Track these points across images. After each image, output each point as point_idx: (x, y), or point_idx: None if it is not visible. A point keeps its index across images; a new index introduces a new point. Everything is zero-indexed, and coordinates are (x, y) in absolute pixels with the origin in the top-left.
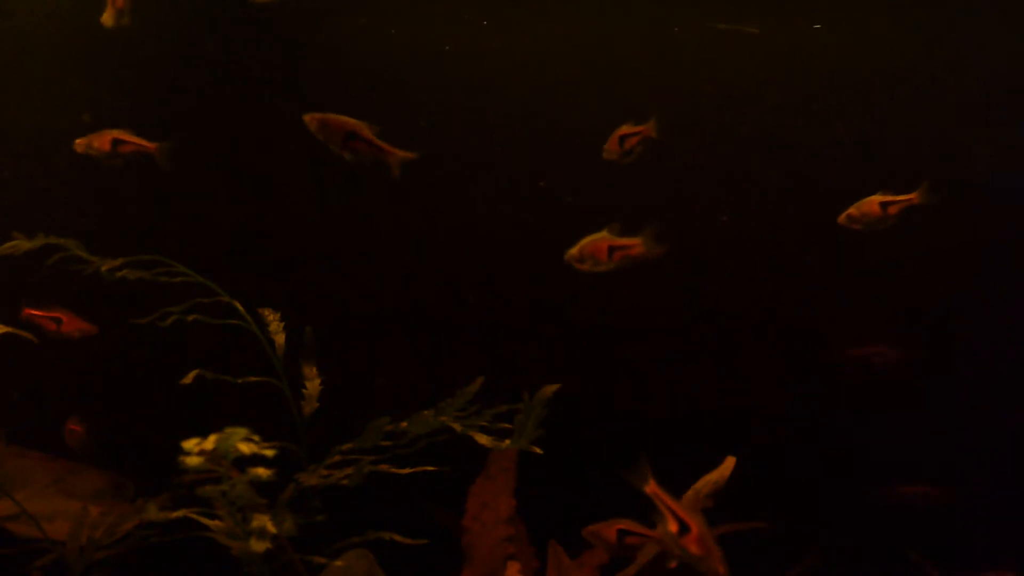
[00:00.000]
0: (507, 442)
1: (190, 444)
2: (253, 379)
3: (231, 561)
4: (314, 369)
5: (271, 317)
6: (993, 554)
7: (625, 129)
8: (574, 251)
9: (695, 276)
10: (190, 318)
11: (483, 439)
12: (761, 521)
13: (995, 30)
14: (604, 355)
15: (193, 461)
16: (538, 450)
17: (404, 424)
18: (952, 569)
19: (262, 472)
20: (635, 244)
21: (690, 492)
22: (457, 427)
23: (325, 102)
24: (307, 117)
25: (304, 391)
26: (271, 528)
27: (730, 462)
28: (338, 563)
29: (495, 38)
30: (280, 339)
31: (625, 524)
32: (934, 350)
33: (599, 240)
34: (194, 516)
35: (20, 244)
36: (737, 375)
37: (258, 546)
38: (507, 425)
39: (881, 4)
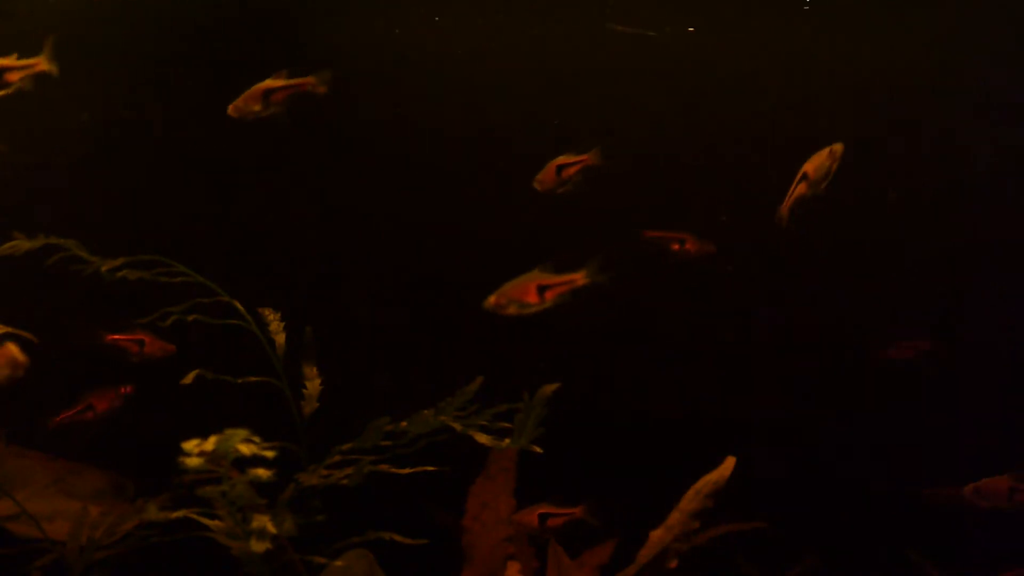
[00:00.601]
0: (507, 441)
1: (190, 445)
2: (253, 379)
3: (231, 561)
4: (314, 369)
5: (271, 317)
6: (994, 554)
7: (563, 159)
8: (491, 299)
9: (695, 276)
10: (190, 318)
11: (483, 438)
12: (761, 521)
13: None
14: (604, 355)
15: (193, 462)
16: (538, 449)
17: (404, 424)
18: (952, 569)
19: (262, 473)
20: (574, 279)
21: (690, 492)
22: (457, 426)
23: (325, 101)
24: (230, 109)
25: (304, 391)
26: (271, 528)
27: (730, 462)
28: (338, 563)
29: (494, 40)
30: (280, 339)
31: (545, 507)
32: (934, 349)
33: (527, 281)
34: (194, 516)
35: (20, 244)
36: (738, 375)
37: (258, 546)
38: (507, 424)
39: (880, 4)
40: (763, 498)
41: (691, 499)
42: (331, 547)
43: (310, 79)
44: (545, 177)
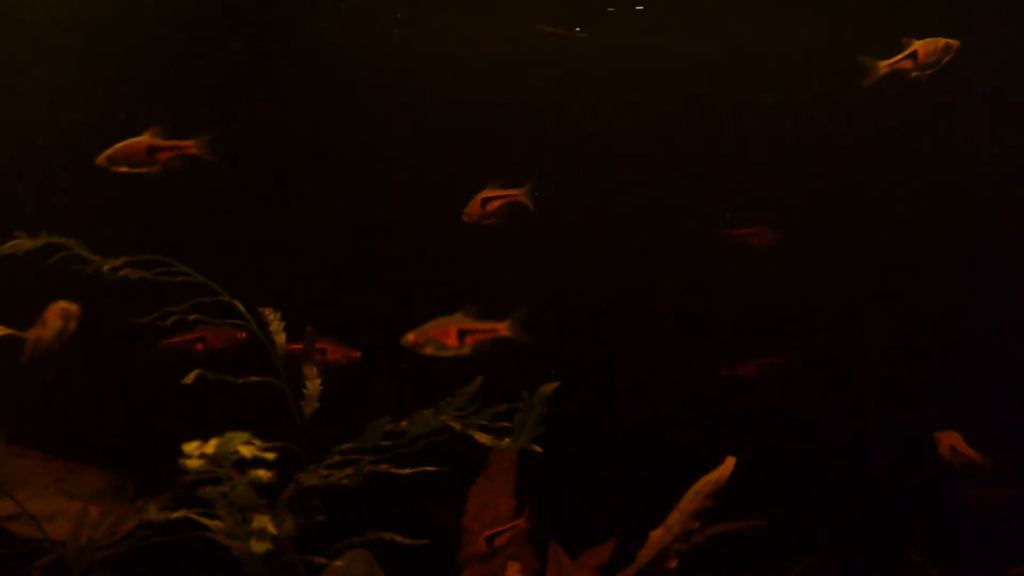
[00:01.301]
0: (507, 441)
1: (191, 447)
2: (254, 379)
3: (231, 561)
4: (314, 369)
5: (271, 316)
6: (994, 554)
7: (489, 192)
8: (411, 337)
9: (696, 276)
10: (191, 317)
11: (483, 438)
12: (761, 521)
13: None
14: (604, 354)
15: (194, 464)
16: (538, 448)
17: (404, 424)
18: (952, 569)
19: (263, 474)
20: (496, 328)
21: (690, 492)
22: (457, 426)
23: (326, 100)
24: (101, 159)
25: (304, 391)
26: (271, 529)
27: (730, 462)
28: (338, 563)
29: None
30: (280, 339)
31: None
32: (935, 350)
33: (449, 323)
34: (194, 516)
35: (22, 243)
36: (738, 375)
37: (258, 547)
38: (507, 424)
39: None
40: (763, 498)
41: (691, 499)
42: (331, 547)
43: (191, 143)
44: (471, 209)
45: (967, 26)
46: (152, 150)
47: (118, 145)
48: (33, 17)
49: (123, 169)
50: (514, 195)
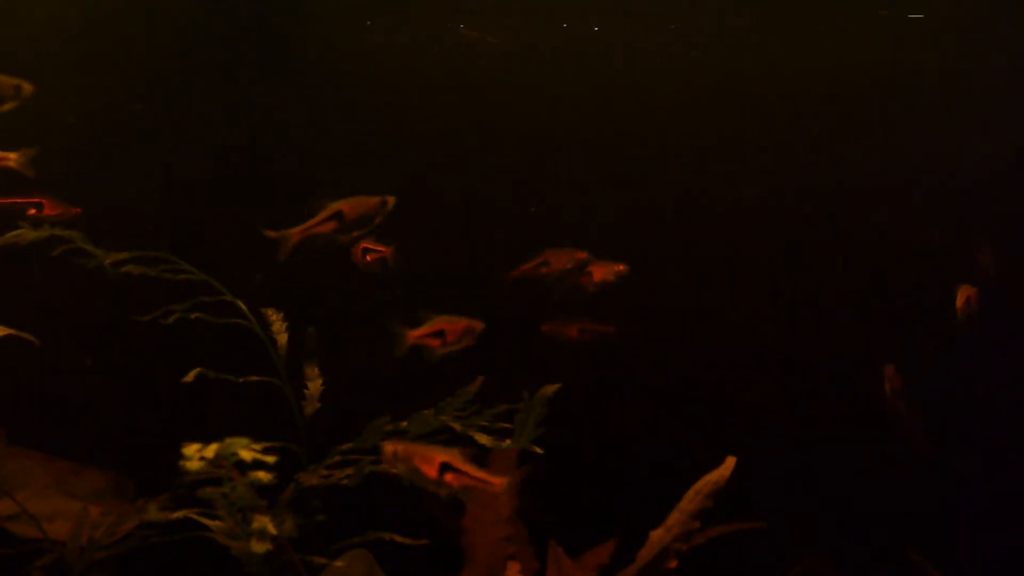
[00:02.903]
0: (507, 441)
1: (191, 450)
2: (254, 378)
3: (231, 561)
4: (316, 369)
5: (274, 317)
6: (994, 554)
7: (368, 244)
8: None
9: (694, 275)
10: (192, 316)
11: (483, 439)
12: (761, 521)
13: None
14: (604, 356)
15: (194, 466)
16: (538, 450)
17: (404, 424)
18: (952, 569)
19: (263, 476)
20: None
21: (690, 492)
22: (457, 426)
23: (326, 101)
24: None
25: (305, 391)
26: (272, 529)
27: (730, 462)
28: (338, 563)
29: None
30: (282, 339)
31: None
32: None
33: None
34: (195, 517)
35: (25, 233)
36: (738, 374)
37: (258, 547)
38: (507, 425)
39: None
40: (763, 498)
41: (691, 499)
42: (331, 547)
43: (10, 156)
44: (355, 255)
45: None
46: None
47: None
48: (32, 17)
49: None
50: (383, 252)
